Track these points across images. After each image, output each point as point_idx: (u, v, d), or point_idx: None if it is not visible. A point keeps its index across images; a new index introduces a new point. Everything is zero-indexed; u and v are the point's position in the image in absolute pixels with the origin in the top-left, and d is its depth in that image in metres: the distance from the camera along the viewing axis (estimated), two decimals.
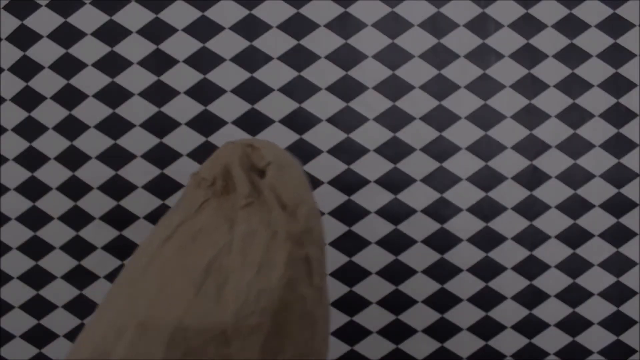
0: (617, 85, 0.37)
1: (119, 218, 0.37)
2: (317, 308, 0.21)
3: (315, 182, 0.36)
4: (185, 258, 0.20)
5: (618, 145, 0.37)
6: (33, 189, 0.37)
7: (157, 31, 0.36)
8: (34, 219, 0.37)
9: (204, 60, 0.36)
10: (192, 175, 0.24)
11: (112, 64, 0.36)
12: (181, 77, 0.36)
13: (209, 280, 0.19)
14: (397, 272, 0.37)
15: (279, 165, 0.22)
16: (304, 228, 0.21)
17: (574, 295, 0.37)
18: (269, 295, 0.19)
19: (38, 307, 0.37)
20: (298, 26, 0.36)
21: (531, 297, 0.37)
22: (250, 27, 0.36)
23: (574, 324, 0.37)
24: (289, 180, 0.22)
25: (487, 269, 0.37)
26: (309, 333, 0.21)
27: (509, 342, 0.37)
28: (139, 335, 0.18)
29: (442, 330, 0.37)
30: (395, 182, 0.37)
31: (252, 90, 0.36)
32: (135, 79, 0.36)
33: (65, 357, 0.20)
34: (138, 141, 0.36)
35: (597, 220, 0.37)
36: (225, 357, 0.18)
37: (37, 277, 0.37)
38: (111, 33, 0.36)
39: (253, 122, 0.36)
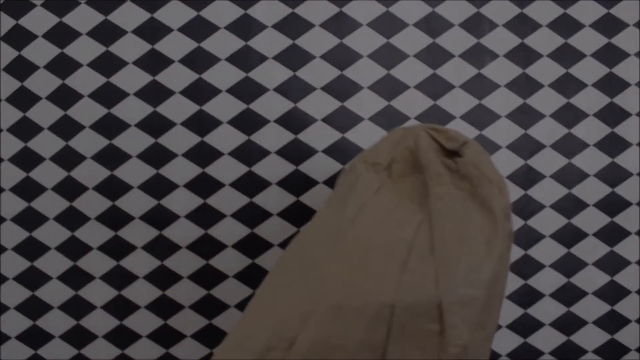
0: (611, 85, 0.37)
1: (115, 218, 0.36)
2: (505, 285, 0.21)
3: (310, 182, 0.36)
4: (377, 238, 0.20)
5: (612, 145, 0.37)
6: (28, 189, 0.36)
7: (152, 31, 0.36)
8: (30, 219, 0.37)
9: (199, 60, 0.36)
10: (358, 161, 0.24)
11: (107, 64, 0.36)
12: (176, 76, 0.36)
13: (413, 257, 0.19)
14: None
15: (472, 144, 0.23)
16: (509, 202, 0.21)
17: (569, 295, 0.37)
18: (484, 268, 0.19)
19: (34, 308, 0.37)
20: (293, 26, 0.36)
21: (526, 297, 0.37)
22: (245, 27, 0.36)
23: (569, 323, 0.37)
24: (486, 157, 0.23)
25: None
26: (500, 309, 0.21)
27: (504, 341, 0.37)
28: (333, 316, 0.18)
29: None
30: None
31: (247, 90, 0.36)
32: (131, 78, 0.36)
33: (225, 346, 0.20)
34: (133, 141, 0.36)
35: (591, 220, 0.37)
36: (436, 331, 0.18)
37: (32, 278, 0.37)
38: (106, 33, 0.36)
39: (248, 122, 0.36)
